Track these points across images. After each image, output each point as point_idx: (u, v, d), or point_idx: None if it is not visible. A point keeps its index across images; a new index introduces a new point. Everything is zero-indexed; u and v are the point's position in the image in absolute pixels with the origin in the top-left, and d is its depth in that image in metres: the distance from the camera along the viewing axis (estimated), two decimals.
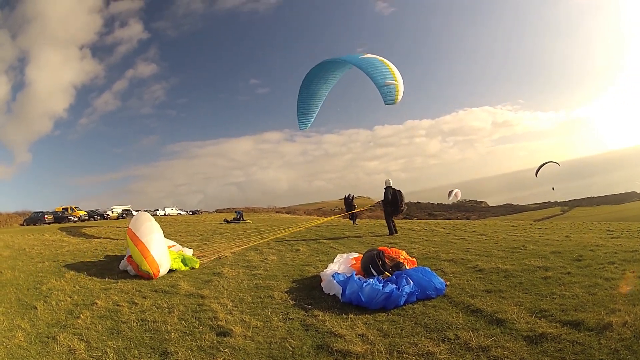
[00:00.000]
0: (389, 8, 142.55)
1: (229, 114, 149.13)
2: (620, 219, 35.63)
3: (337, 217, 27.89)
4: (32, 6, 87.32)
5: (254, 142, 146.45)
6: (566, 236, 16.31)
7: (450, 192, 50.93)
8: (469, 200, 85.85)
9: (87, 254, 15.35)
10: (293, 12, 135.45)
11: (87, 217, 46.85)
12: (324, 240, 16.49)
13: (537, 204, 74.44)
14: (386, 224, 18.36)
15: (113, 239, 21.11)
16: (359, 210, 26.05)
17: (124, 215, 51.43)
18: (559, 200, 73.59)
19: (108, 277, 10.45)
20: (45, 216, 42.69)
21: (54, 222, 41.54)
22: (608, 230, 19.79)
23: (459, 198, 53.23)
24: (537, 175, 42.91)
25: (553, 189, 62.19)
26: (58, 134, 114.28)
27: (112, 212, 51.51)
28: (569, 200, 72.59)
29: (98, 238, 21.74)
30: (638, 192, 68.16)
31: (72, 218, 44.64)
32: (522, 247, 12.55)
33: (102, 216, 49.65)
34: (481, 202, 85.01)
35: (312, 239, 17.13)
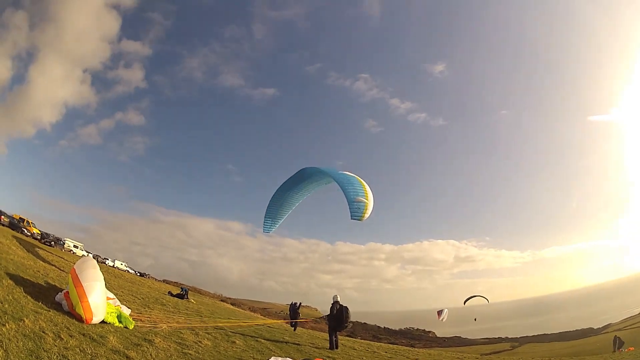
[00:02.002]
0: (377, 127, 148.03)
1: (200, 191, 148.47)
2: (573, 354, 35.11)
3: (281, 322, 27.18)
4: (56, 7, 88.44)
5: (216, 227, 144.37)
6: None
7: (439, 312, 50.00)
8: (417, 329, 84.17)
9: (28, 271, 14.77)
10: (284, 110, 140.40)
11: (39, 237, 44.67)
12: (262, 340, 15.99)
13: (486, 338, 72.79)
14: (328, 338, 18.00)
15: (58, 268, 20.24)
16: (302, 320, 25.52)
17: (73, 251, 49.23)
18: (509, 337, 72.15)
19: (42, 302, 10.17)
20: (2, 216, 40.70)
21: (7, 227, 39.41)
22: None
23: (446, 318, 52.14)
24: (465, 304, 43.48)
25: (475, 319, 61.60)
26: (37, 144, 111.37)
27: (64, 244, 49.38)
28: (520, 337, 70.92)
29: (43, 261, 20.84)
30: (595, 327, 66.97)
31: (25, 231, 42.54)
32: None
33: (55, 242, 47.41)
34: (429, 331, 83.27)
35: (250, 335, 16.63)
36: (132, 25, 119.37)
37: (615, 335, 36.45)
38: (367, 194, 15.77)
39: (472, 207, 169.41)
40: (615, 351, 32.27)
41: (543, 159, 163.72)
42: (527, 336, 70.89)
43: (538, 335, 70.94)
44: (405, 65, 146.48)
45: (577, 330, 68.23)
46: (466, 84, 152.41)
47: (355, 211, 15.35)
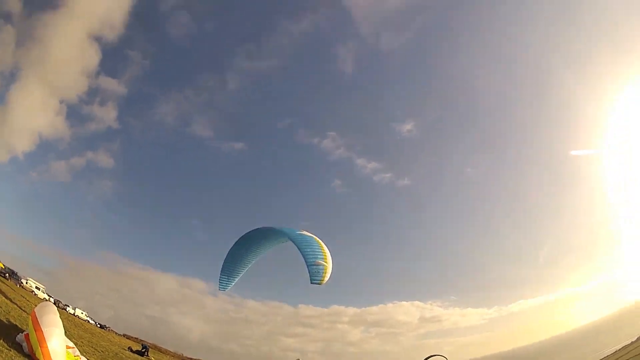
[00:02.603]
0: (342, 187, 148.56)
1: (163, 244, 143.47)
2: None
3: None
4: (43, 28, 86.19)
5: (178, 284, 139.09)
6: None
7: None
8: None
9: None
10: (252, 166, 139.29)
11: (2, 272, 42.91)
12: None
13: None
14: None
15: (20, 308, 19.48)
16: None
17: (35, 292, 47.41)
18: None
19: (3, 340, 9.92)
20: None
21: None
22: None
23: None
24: None
25: None
26: (9, 171, 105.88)
27: (27, 283, 47.60)
28: None
29: (5, 298, 20.12)
30: None
31: None
32: None
33: (18, 280, 45.58)
34: None
35: None
36: (111, 60, 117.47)
37: None
38: (326, 256, 15.53)
39: (437, 266, 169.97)
40: None
41: (508, 214, 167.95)
42: None
43: None
44: (374, 124, 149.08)
45: None
46: (433, 142, 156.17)
47: (315, 274, 15.09)
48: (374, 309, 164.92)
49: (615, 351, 65.02)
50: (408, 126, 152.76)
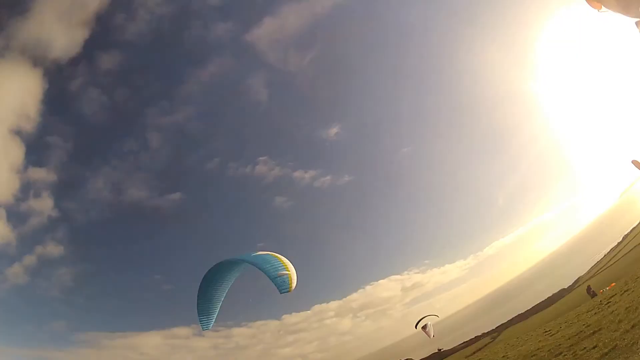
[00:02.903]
0: (287, 202, 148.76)
1: (136, 307, 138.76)
2: (556, 316, 34.91)
3: None
4: None
5: (162, 337, 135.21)
6: (503, 356, 15.91)
7: (424, 328, 46.61)
8: None
9: None
10: (194, 210, 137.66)
11: None
12: None
13: (463, 342, 71.91)
14: None
15: None
16: None
17: None
18: (486, 331, 71.64)
19: None
20: None
21: None
22: (545, 332, 19.61)
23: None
24: (417, 327, 42.79)
25: (440, 350, 61.54)
26: None
27: None
28: (496, 327, 69.96)
29: None
30: (566, 286, 67.18)
31: None
32: None
33: None
34: (407, 359, 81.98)
35: None
36: (34, 151, 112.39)
37: (588, 286, 37.37)
38: (286, 266, 16.08)
39: (400, 240, 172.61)
40: (592, 297, 32.87)
41: (455, 171, 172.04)
42: (503, 324, 69.78)
43: (513, 318, 71.05)
44: (301, 137, 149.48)
45: (549, 297, 68.86)
46: (363, 136, 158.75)
47: (281, 285, 15.59)
48: (355, 295, 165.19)
49: (604, 255, 67.46)
50: (334, 130, 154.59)
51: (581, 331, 11.77)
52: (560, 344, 10.97)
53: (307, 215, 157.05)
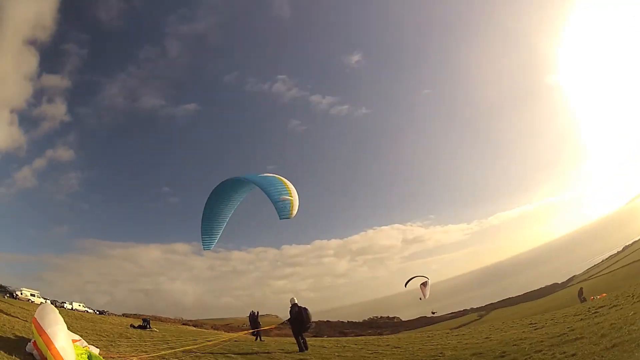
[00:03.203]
0: (301, 126, 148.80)
1: (139, 218, 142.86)
2: (544, 311, 36.03)
3: (244, 334, 27.06)
4: None
5: (162, 251, 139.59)
6: (486, 337, 16.58)
7: (424, 286, 46.69)
8: (381, 317, 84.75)
9: None
10: (209, 123, 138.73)
11: None
12: (233, 355, 15.68)
13: (452, 313, 73.62)
14: (296, 341, 17.73)
15: (21, 319, 19.30)
16: (265, 328, 25.59)
17: (31, 300, 47.64)
18: (475, 307, 73.16)
19: (15, 356, 9.70)
20: None
21: None
22: (531, 324, 20.30)
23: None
24: (406, 286, 43.40)
25: (433, 313, 62.96)
26: None
27: (22, 294, 48.43)
28: (485, 305, 71.50)
29: (6, 314, 19.91)
30: (560, 282, 68.38)
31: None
32: (440, 354, 12.51)
33: (11, 294, 45.94)
34: (394, 317, 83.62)
35: (220, 353, 16.20)
36: (49, 58, 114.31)
37: (580, 287, 38.26)
38: (290, 191, 15.96)
39: (410, 188, 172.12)
40: (581, 302, 33.68)
41: (473, 130, 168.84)
42: (492, 303, 72.11)
43: (503, 300, 72.06)
44: (321, 61, 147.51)
45: (541, 288, 69.86)
46: (384, 69, 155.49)
47: (282, 210, 15.51)
48: (356, 237, 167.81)
49: (602, 260, 67.75)
50: (356, 57, 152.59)
51: (564, 333, 12.43)
52: (542, 341, 11.74)
53: (320, 143, 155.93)
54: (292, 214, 15.63)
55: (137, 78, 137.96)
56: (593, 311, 18.28)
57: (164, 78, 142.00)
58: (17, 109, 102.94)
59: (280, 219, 15.42)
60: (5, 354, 9.71)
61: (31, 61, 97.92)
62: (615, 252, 71.88)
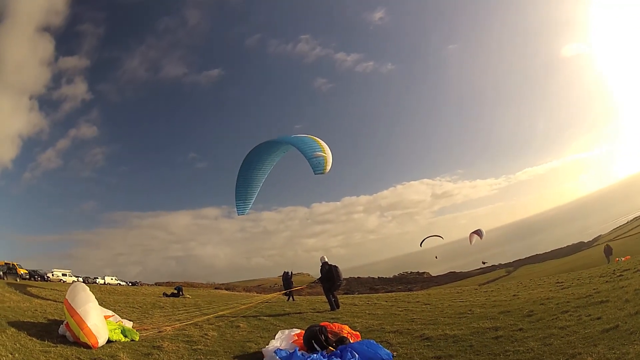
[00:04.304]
0: (327, 84, 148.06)
1: (168, 186, 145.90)
2: (570, 269, 36.11)
3: (277, 295, 27.51)
4: None
5: (192, 217, 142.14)
6: (514, 295, 16.78)
7: (479, 234, 46.67)
8: (411, 272, 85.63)
9: (27, 313, 14.48)
10: (234, 87, 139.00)
11: (27, 277, 44.28)
12: (265, 317, 16.05)
13: (480, 268, 73.87)
14: (327, 300, 18.14)
15: (53, 301, 19.95)
16: (297, 288, 25.98)
17: (63, 280, 48.98)
18: (502, 263, 73.34)
19: (47, 340, 9.92)
20: None
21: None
22: (558, 283, 20.46)
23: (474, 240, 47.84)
24: (422, 245, 43.84)
25: (484, 262, 62.89)
26: (2, 185, 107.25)
27: (53, 275, 49.05)
28: (513, 261, 71.82)
29: (38, 298, 20.62)
30: (586, 241, 68.00)
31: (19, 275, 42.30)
32: (469, 312, 12.75)
33: (43, 277, 46.98)
34: (423, 272, 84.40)
35: (253, 316, 16.62)
36: (65, 42, 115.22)
37: (606, 245, 37.71)
38: (323, 148, 16.33)
39: (438, 143, 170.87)
40: (609, 262, 33.46)
41: (501, 86, 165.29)
42: (520, 259, 72.24)
43: (530, 257, 72.05)
44: (344, 18, 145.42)
45: (568, 246, 69.41)
46: (408, 25, 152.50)
47: (317, 166, 15.97)
48: (385, 192, 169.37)
49: (628, 222, 66.62)
50: (379, 14, 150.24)
51: (590, 295, 12.50)
52: (569, 302, 11.80)
53: (347, 100, 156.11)
54: (326, 169, 16.21)
55: (157, 49, 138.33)
56: (618, 274, 18.24)
57: (185, 47, 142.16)
58: (36, 95, 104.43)
59: (315, 174, 16.06)
60: (38, 340, 10.00)
61: (47, 47, 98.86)
62: None
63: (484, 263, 64.90)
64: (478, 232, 46.79)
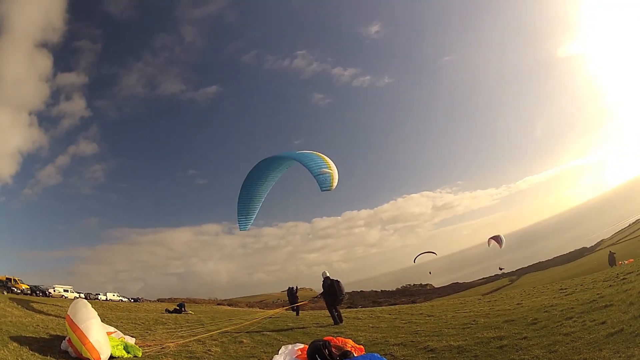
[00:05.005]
0: (325, 99, 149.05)
1: (168, 203, 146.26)
2: (574, 275, 36.00)
3: (281, 310, 27.41)
4: None
5: (192, 234, 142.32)
6: (517, 304, 16.69)
7: (497, 240, 46.18)
8: (414, 285, 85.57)
9: (29, 328, 14.33)
10: (231, 104, 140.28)
11: (29, 292, 44.23)
12: (268, 332, 15.94)
13: (483, 278, 73.58)
14: (330, 315, 18.03)
15: (55, 317, 19.78)
16: (302, 303, 25.89)
17: (64, 296, 48.85)
18: (506, 272, 73.28)
19: (50, 356, 9.86)
20: None
21: None
22: (561, 289, 20.38)
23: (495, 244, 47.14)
24: (415, 262, 44.02)
25: (501, 269, 62.64)
26: (3, 200, 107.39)
27: (55, 291, 48.91)
28: (516, 270, 71.62)
29: (40, 314, 20.45)
30: (588, 246, 67.90)
31: (15, 290, 42.13)
32: (473, 322, 12.69)
33: (44, 293, 46.90)
34: (426, 284, 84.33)
35: (256, 331, 16.48)
36: (63, 58, 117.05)
37: (610, 253, 37.67)
38: (329, 164, 16.37)
39: (437, 154, 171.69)
40: (612, 266, 33.32)
41: (497, 94, 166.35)
42: (523, 267, 72.18)
43: (533, 264, 72.01)
44: (340, 33, 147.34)
45: (571, 252, 69.44)
46: (403, 38, 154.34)
47: (323, 182, 15.99)
48: (386, 206, 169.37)
49: (629, 225, 66.65)
50: (375, 27, 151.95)
51: (594, 300, 12.46)
52: (573, 308, 11.77)
53: (345, 114, 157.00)
54: (332, 185, 16.23)
55: (154, 66, 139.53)
56: (621, 277, 18.19)
57: (182, 63, 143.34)
58: (35, 111, 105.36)
59: (322, 190, 16.08)
60: (40, 356, 9.93)
61: (45, 63, 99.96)
62: None
63: (500, 269, 64.72)
64: (497, 239, 46.36)
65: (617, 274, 20.38)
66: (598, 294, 14.29)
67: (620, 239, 60.39)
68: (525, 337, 8.88)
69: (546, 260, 71.25)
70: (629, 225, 67.41)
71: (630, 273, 18.92)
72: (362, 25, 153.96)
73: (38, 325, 15.49)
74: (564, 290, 19.64)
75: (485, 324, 11.92)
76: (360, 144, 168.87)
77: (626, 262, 30.49)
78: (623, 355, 5.97)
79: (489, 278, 72.09)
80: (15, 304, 23.30)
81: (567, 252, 70.45)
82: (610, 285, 16.41)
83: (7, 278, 44.61)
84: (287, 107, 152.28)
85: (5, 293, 36.79)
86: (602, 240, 67.51)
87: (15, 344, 10.66)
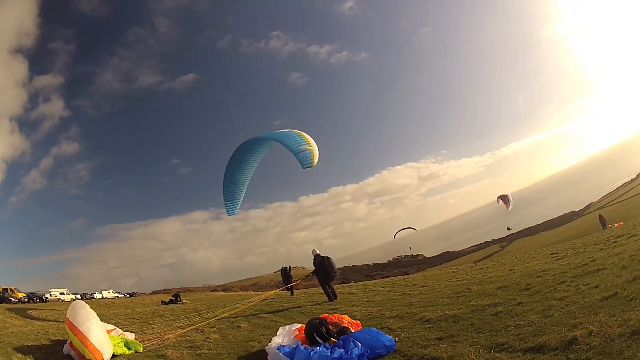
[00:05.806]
0: (302, 78, 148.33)
1: (154, 195, 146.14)
2: (564, 239, 36.34)
3: (277, 292, 27.50)
4: None
5: (181, 223, 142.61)
6: (510, 270, 16.86)
7: (504, 199, 46.23)
8: (405, 256, 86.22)
9: (30, 336, 14.23)
10: (210, 90, 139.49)
11: (26, 299, 44.19)
12: (264, 315, 16.00)
13: (474, 246, 74.46)
14: (324, 292, 18.17)
15: (54, 321, 19.70)
16: (296, 282, 26.03)
17: (61, 299, 48.91)
18: (495, 238, 73.94)
19: None
20: None
21: None
22: (552, 254, 20.62)
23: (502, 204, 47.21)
24: (395, 237, 44.30)
25: (509, 229, 63.36)
26: None
27: (51, 295, 49.38)
28: (506, 236, 72.26)
29: (39, 320, 20.36)
30: (577, 210, 69.05)
31: (12, 299, 41.93)
32: (467, 290, 12.79)
33: (41, 299, 47.06)
34: (417, 255, 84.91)
35: (252, 315, 16.53)
36: (38, 61, 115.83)
37: (599, 214, 38.09)
38: (309, 141, 16.32)
39: (419, 125, 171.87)
40: (604, 229, 33.60)
41: (477, 64, 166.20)
42: (512, 233, 72.80)
43: (523, 230, 73.25)
44: (314, 11, 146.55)
45: (560, 216, 70.96)
46: (378, 12, 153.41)
47: (304, 159, 15.93)
48: (371, 179, 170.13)
49: (617, 188, 67.51)
50: (349, 3, 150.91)
51: (586, 264, 12.58)
52: (565, 272, 11.88)
53: (324, 92, 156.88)
54: (313, 162, 16.09)
55: (129, 60, 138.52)
56: (612, 241, 18.40)
57: (157, 55, 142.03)
58: (15, 116, 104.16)
59: (303, 168, 15.92)
60: None
61: (20, 68, 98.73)
62: (629, 179, 71.77)
63: (508, 229, 65.30)
64: (504, 199, 46.44)
65: (608, 237, 20.64)
66: (589, 257, 14.43)
67: (608, 203, 61.15)
68: (519, 303, 8.92)
69: (535, 225, 72.08)
70: (617, 188, 68.26)
71: (620, 236, 19.14)
72: (336, 2, 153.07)
73: (39, 332, 15.40)
74: (556, 255, 19.85)
75: (479, 292, 12.00)
76: (342, 120, 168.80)
77: (616, 225, 30.85)
78: (619, 319, 5.98)
79: (480, 245, 72.93)
80: (14, 313, 23.22)
81: (556, 216, 71.32)
82: (601, 249, 16.57)
83: (3, 289, 44.50)
84: (265, 88, 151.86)
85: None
86: (590, 204, 68.30)
87: (19, 355, 10.55)
